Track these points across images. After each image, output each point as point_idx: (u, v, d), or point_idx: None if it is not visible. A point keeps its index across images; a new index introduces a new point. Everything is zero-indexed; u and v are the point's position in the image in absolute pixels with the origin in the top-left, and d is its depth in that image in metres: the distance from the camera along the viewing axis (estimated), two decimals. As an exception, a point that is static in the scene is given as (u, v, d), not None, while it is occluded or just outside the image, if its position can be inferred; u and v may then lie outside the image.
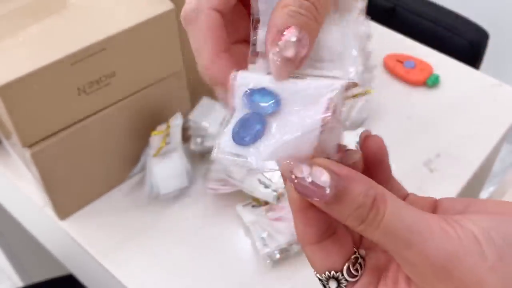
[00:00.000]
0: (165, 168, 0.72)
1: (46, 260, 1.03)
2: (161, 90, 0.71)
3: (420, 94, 0.88)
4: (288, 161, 0.24)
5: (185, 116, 0.74)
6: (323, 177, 0.23)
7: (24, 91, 0.58)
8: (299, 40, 0.24)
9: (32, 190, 0.75)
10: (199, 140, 0.74)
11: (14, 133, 0.61)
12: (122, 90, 0.67)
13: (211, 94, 0.77)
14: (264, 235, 0.67)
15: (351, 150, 0.26)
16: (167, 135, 0.71)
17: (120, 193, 0.75)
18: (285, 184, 0.27)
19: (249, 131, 0.25)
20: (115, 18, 0.63)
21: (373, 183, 0.24)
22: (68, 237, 0.72)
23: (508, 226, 0.23)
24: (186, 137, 0.75)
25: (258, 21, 0.27)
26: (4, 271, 1.37)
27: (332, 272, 0.26)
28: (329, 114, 0.24)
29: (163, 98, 0.73)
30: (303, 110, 0.24)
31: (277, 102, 0.25)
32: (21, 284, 1.26)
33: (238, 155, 0.25)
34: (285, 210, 0.68)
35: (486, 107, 0.86)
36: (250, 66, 0.27)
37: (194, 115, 0.74)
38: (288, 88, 0.25)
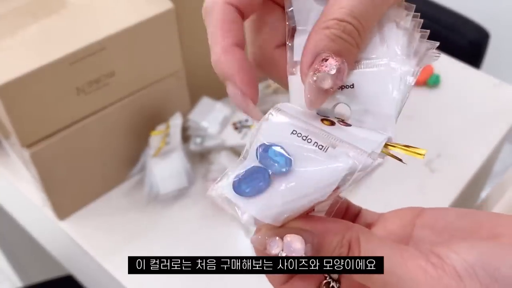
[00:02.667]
0: (165, 168, 0.71)
1: (45, 261, 1.03)
2: (160, 90, 0.71)
3: (420, 94, 0.87)
4: (258, 236, 0.24)
5: (185, 116, 0.74)
6: (297, 245, 0.23)
7: (23, 91, 0.58)
8: (338, 71, 0.23)
9: (31, 190, 0.74)
10: (198, 140, 0.74)
11: (13, 133, 0.61)
12: (122, 90, 0.67)
13: (211, 94, 0.77)
14: (264, 235, 0.67)
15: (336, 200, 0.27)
16: (167, 135, 0.71)
17: (120, 193, 0.75)
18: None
19: (252, 184, 0.24)
20: (114, 17, 0.63)
21: (348, 226, 0.24)
22: (67, 238, 0.72)
23: (499, 258, 0.22)
24: (185, 137, 0.75)
25: (294, 29, 0.27)
26: (3, 271, 1.37)
27: None
28: (337, 193, 0.24)
29: (163, 98, 0.72)
30: (313, 177, 0.24)
31: (289, 164, 0.24)
32: (20, 284, 1.25)
33: (232, 203, 0.25)
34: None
35: (487, 106, 0.86)
36: (289, 77, 0.27)
37: (194, 115, 0.74)
38: (304, 152, 0.25)
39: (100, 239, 0.70)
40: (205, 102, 0.76)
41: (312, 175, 0.24)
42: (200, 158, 0.77)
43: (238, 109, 0.27)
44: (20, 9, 0.64)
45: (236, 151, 0.73)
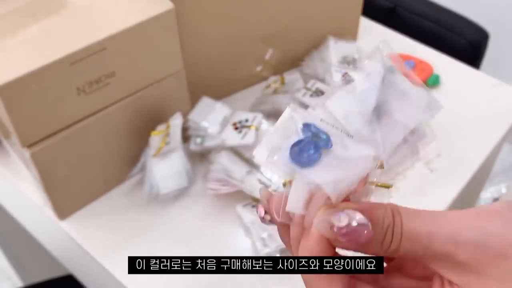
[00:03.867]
0: (165, 168, 0.71)
1: (46, 260, 1.03)
2: (161, 90, 0.71)
3: (420, 94, 0.87)
4: (320, 218, 0.25)
5: (185, 116, 0.74)
6: (360, 216, 0.25)
7: (24, 91, 0.58)
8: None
9: (31, 190, 0.75)
10: (199, 140, 0.74)
11: (14, 133, 0.61)
12: (122, 90, 0.67)
13: (211, 94, 0.77)
14: (264, 235, 0.67)
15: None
16: (167, 135, 0.71)
17: (120, 193, 0.75)
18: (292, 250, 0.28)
19: (307, 154, 0.26)
20: (114, 18, 0.63)
21: (383, 203, 0.26)
22: (67, 237, 0.72)
23: None
24: (186, 137, 0.75)
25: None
26: (4, 271, 1.37)
27: None
28: (367, 179, 0.26)
29: (163, 98, 0.73)
30: (352, 155, 0.26)
31: (330, 140, 0.26)
32: (21, 284, 1.26)
33: (293, 171, 0.26)
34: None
35: (487, 107, 0.86)
36: (309, 109, 0.28)
37: (194, 115, 0.74)
38: (336, 135, 0.26)
39: (100, 238, 0.71)
40: (205, 102, 0.76)
41: (350, 153, 0.26)
42: (200, 158, 0.77)
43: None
44: (21, 10, 0.65)
45: (236, 151, 0.73)
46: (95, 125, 0.67)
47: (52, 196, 0.69)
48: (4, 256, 1.16)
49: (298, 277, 0.28)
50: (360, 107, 0.27)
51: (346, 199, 0.26)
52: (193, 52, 0.74)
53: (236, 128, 0.73)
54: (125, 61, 0.65)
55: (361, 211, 0.25)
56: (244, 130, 0.73)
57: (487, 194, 1.49)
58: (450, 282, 0.25)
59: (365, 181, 0.26)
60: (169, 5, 0.65)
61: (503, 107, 0.86)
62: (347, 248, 0.26)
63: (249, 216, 0.69)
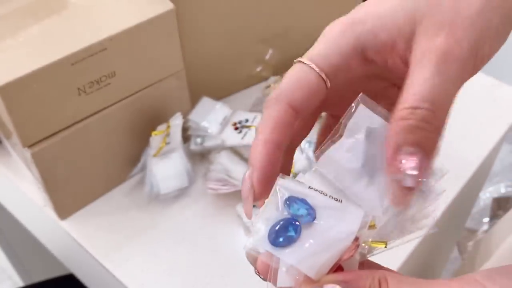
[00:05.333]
0: (165, 168, 0.72)
1: (47, 260, 1.03)
2: (161, 90, 0.71)
3: (420, 94, 0.87)
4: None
5: (185, 116, 0.74)
6: None
7: (24, 91, 0.58)
8: (419, 168, 0.24)
9: (32, 190, 0.75)
10: (199, 140, 0.74)
11: (14, 133, 0.61)
12: (122, 90, 0.67)
13: (211, 94, 0.77)
14: (264, 235, 0.67)
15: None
16: (167, 135, 0.71)
17: (120, 193, 0.75)
18: None
19: (285, 235, 0.26)
20: (115, 18, 0.63)
21: (375, 270, 0.26)
22: (68, 237, 0.72)
23: None
24: (186, 137, 0.75)
25: (336, 133, 0.27)
26: (4, 271, 1.38)
27: None
28: (357, 243, 0.26)
29: (163, 98, 0.73)
30: (336, 228, 0.26)
31: (312, 215, 0.26)
32: (21, 283, 1.26)
33: (271, 254, 0.27)
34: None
35: (486, 107, 0.86)
36: (300, 175, 0.28)
37: (194, 115, 0.74)
38: (323, 204, 0.27)
39: (101, 238, 0.71)
40: (205, 102, 0.76)
41: (335, 224, 0.26)
42: (200, 158, 0.77)
43: (242, 195, 0.29)
44: (21, 10, 0.65)
45: (236, 151, 0.73)
46: (95, 125, 0.67)
47: (52, 196, 0.69)
48: (5, 255, 1.16)
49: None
50: (349, 164, 0.27)
51: (339, 266, 0.26)
52: (193, 52, 0.75)
53: (236, 128, 0.74)
54: (125, 61, 0.65)
55: (346, 283, 0.25)
56: (244, 130, 0.73)
57: (486, 194, 1.49)
58: None
59: (355, 246, 0.26)
60: (169, 5, 0.65)
61: (502, 107, 0.86)
62: None
63: (249, 215, 0.69)
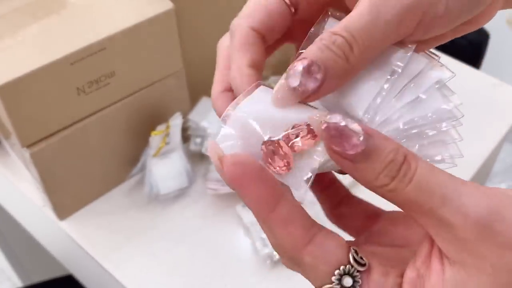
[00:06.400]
0: (165, 168, 0.71)
1: (46, 261, 1.03)
2: (160, 90, 0.71)
3: (420, 94, 0.87)
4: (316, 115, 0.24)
5: (185, 116, 0.74)
6: (355, 126, 0.22)
7: (24, 91, 0.58)
8: (309, 73, 0.24)
9: (31, 190, 0.74)
10: (198, 140, 0.74)
11: (13, 133, 0.61)
12: (122, 90, 0.67)
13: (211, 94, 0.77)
14: (264, 235, 0.67)
15: None
16: (167, 135, 0.71)
17: (120, 193, 0.75)
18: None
19: None
20: (114, 17, 0.63)
21: (402, 145, 0.23)
22: (67, 238, 0.72)
23: None
24: (186, 137, 0.75)
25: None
26: (3, 271, 1.37)
27: (342, 267, 0.23)
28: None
29: (163, 98, 0.72)
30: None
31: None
32: (20, 284, 1.26)
33: None
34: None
35: (487, 106, 0.86)
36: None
37: (193, 115, 0.74)
38: None
39: (100, 239, 0.70)
40: (205, 102, 0.76)
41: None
42: (200, 158, 0.77)
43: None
44: (21, 9, 0.64)
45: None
46: (95, 125, 0.67)
47: (52, 196, 0.69)
48: (4, 256, 1.16)
49: (298, 277, 0.28)
50: None
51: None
52: (193, 52, 0.74)
53: (236, 128, 0.73)
54: (125, 61, 0.65)
55: (369, 134, 0.22)
56: (244, 130, 0.73)
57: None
58: (441, 251, 0.23)
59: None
60: (169, 5, 0.65)
61: (503, 107, 0.86)
62: (336, 161, 0.23)
63: (249, 216, 0.69)
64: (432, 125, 0.25)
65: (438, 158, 0.26)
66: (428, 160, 0.25)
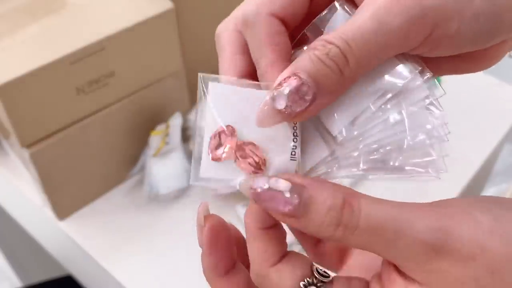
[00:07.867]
0: (165, 168, 0.71)
1: (45, 261, 1.03)
2: (160, 90, 0.71)
3: (420, 94, 0.87)
4: (246, 180, 0.24)
5: (185, 116, 0.74)
6: (281, 184, 0.22)
7: (23, 91, 0.57)
8: (297, 94, 0.21)
9: (30, 190, 0.74)
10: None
11: (13, 133, 0.61)
12: (121, 90, 0.67)
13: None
14: (264, 235, 0.67)
15: None
16: (167, 135, 0.71)
17: (120, 193, 0.75)
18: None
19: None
20: (114, 17, 0.63)
21: (339, 185, 0.22)
22: (67, 238, 0.72)
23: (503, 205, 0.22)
24: (185, 137, 0.75)
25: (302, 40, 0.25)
26: (3, 271, 1.37)
27: (306, 279, 0.23)
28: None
29: (163, 98, 0.72)
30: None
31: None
32: (20, 284, 1.26)
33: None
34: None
35: (487, 106, 0.86)
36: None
37: (193, 115, 0.74)
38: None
39: (99, 239, 0.70)
40: (205, 102, 0.75)
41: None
42: (200, 158, 0.77)
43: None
44: (20, 9, 0.64)
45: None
46: (94, 125, 0.67)
47: (51, 196, 0.68)
48: (3, 256, 1.16)
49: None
50: None
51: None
52: (193, 52, 0.74)
53: (236, 128, 0.73)
54: (124, 61, 0.64)
55: (303, 187, 0.22)
56: (244, 130, 0.73)
57: (488, 194, 1.48)
58: (405, 274, 0.22)
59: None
60: (169, 5, 0.65)
61: (503, 107, 0.86)
62: (279, 219, 0.23)
63: (249, 216, 0.69)
64: (416, 140, 0.25)
65: (421, 170, 0.25)
66: (414, 169, 0.25)
